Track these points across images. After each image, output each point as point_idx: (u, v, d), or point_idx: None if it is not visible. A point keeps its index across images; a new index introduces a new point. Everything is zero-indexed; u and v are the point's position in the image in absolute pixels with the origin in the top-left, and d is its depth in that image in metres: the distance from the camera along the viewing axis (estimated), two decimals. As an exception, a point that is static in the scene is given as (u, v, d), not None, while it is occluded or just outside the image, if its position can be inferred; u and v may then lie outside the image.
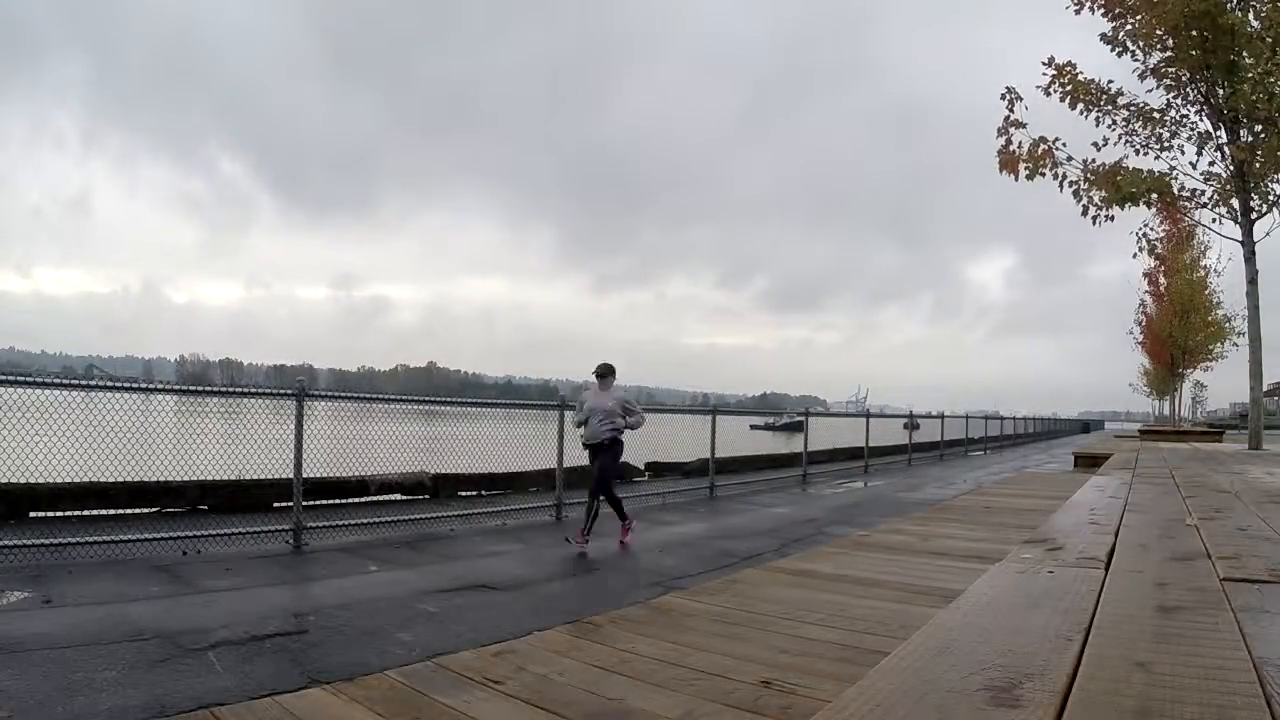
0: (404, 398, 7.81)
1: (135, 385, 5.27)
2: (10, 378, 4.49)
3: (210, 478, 6.14)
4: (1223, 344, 20.39)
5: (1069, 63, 9.23)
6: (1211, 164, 9.24)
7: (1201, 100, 9.12)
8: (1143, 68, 9.21)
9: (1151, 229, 14.47)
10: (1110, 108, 9.26)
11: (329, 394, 6.65)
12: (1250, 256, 9.10)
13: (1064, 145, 9.08)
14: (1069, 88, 9.19)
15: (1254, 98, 8.48)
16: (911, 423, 16.86)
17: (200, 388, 7.16)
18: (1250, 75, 8.59)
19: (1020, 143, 9.12)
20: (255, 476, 6.01)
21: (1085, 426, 46.86)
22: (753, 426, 14.27)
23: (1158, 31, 8.89)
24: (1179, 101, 9.24)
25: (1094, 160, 9.11)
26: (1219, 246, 18.65)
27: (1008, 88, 9.12)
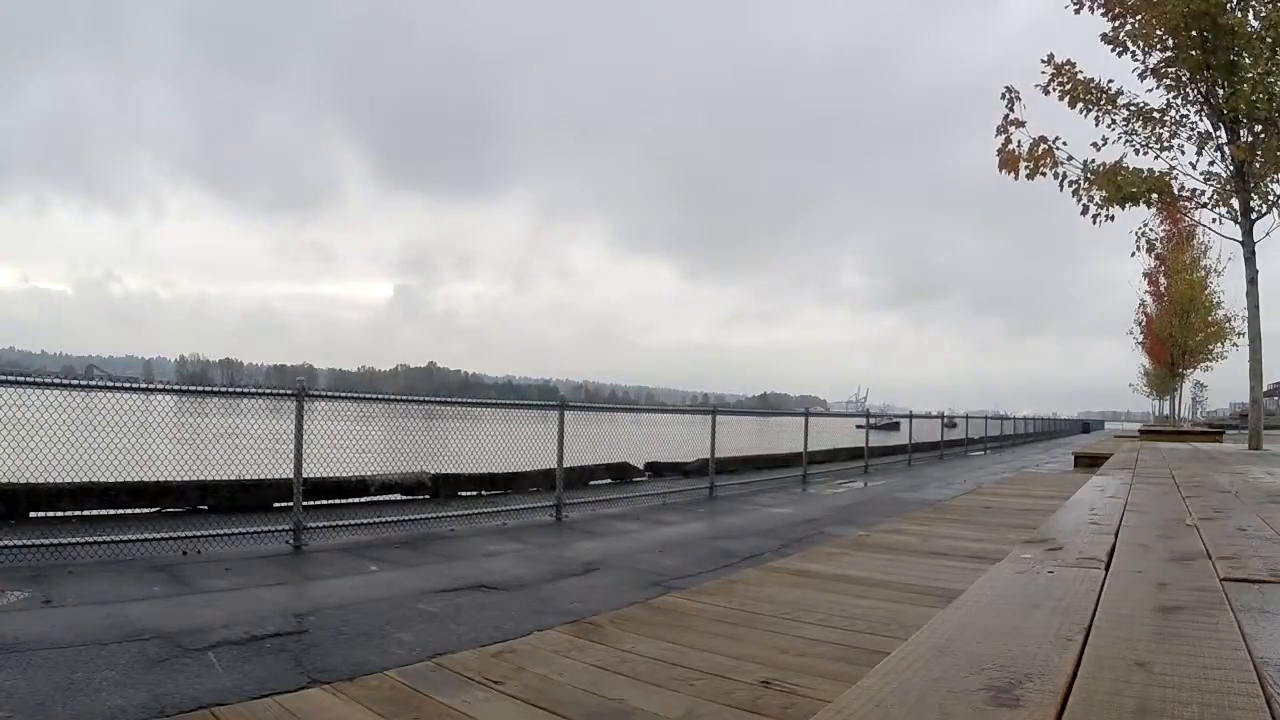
0: (404, 398, 7.81)
1: (135, 385, 5.27)
2: (10, 378, 4.49)
3: (210, 478, 6.13)
4: (1223, 344, 20.42)
5: (1068, 61, 9.23)
6: (1211, 164, 9.22)
7: (1201, 100, 9.10)
8: (1143, 67, 9.21)
9: (1151, 229, 14.54)
10: (1110, 107, 9.25)
11: (329, 394, 6.64)
12: (1250, 256, 9.09)
13: (1064, 144, 9.08)
14: (1068, 87, 9.19)
15: (1254, 98, 8.46)
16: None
17: (200, 388, 7.15)
18: (1250, 75, 8.58)
19: (1020, 141, 9.12)
20: (255, 476, 6.01)
21: (1085, 427, 46.96)
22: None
23: (1158, 32, 8.88)
24: (1179, 101, 9.23)
25: (1094, 160, 9.11)
26: (1219, 246, 18.69)
27: (1007, 87, 9.12)
